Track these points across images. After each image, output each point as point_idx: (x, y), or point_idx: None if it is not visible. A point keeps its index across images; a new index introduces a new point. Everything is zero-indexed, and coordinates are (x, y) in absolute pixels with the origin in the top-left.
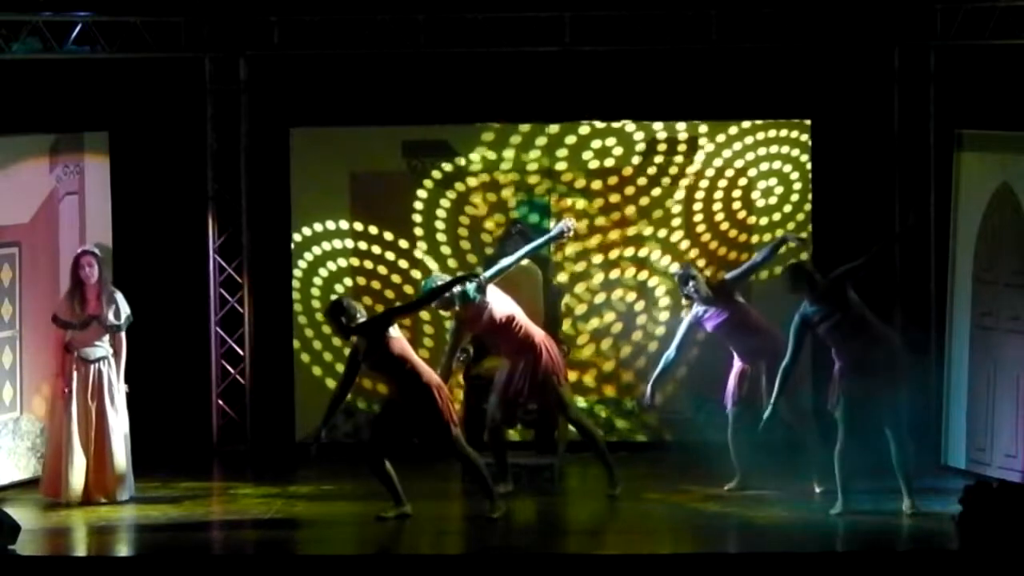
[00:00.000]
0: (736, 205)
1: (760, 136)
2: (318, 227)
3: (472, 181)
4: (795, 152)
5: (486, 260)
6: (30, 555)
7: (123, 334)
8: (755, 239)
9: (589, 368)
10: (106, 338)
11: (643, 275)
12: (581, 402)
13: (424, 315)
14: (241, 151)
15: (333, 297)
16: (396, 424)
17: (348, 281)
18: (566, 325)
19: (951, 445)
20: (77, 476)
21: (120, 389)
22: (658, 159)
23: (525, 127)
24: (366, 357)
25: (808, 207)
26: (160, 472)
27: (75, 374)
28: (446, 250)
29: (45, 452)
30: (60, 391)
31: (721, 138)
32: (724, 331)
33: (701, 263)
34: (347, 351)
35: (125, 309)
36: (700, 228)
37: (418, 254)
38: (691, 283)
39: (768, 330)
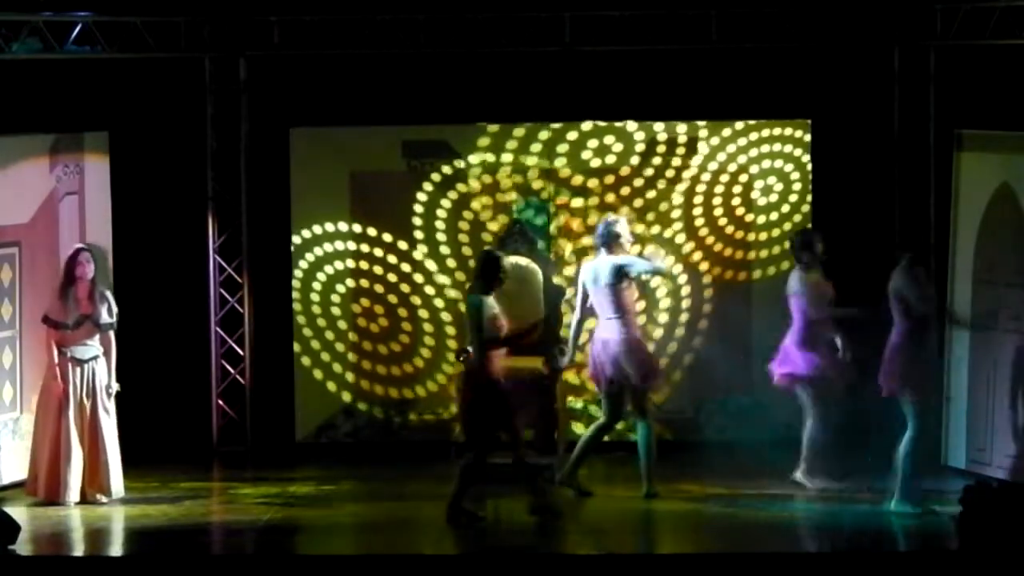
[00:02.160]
0: (735, 202)
1: (760, 135)
2: (318, 229)
3: (472, 181)
4: (795, 151)
5: None
6: (30, 555)
7: (112, 333)
8: (754, 237)
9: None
10: (96, 337)
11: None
12: (578, 403)
13: (423, 313)
14: (241, 151)
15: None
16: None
17: (342, 286)
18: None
19: (951, 445)
20: (75, 477)
21: (112, 388)
22: (658, 158)
23: (524, 127)
24: None
25: (807, 205)
26: (160, 472)
27: (71, 375)
28: (448, 256)
29: (35, 453)
30: (57, 393)
31: (721, 136)
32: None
33: (700, 260)
34: (342, 348)
35: (115, 307)
36: (700, 226)
37: (418, 255)
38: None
39: None
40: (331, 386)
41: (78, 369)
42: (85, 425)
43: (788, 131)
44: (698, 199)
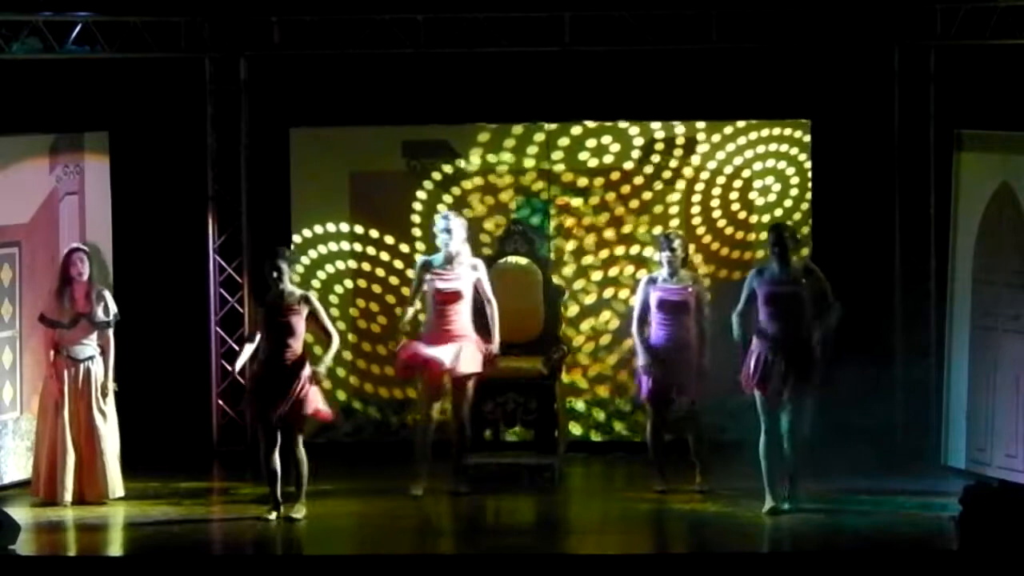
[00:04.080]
0: (733, 199)
1: (759, 135)
2: (318, 229)
3: (471, 181)
4: (793, 151)
5: (485, 260)
6: (30, 555)
7: (111, 332)
8: (753, 237)
9: (587, 367)
10: (94, 336)
11: (642, 273)
12: (579, 403)
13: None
14: (241, 151)
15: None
16: None
17: (341, 286)
18: (564, 323)
19: (951, 445)
20: (70, 477)
21: (110, 387)
22: (657, 158)
23: (523, 127)
24: None
25: (806, 205)
26: (160, 472)
27: (66, 375)
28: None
29: (36, 453)
30: (54, 393)
31: (720, 137)
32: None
33: (699, 260)
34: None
35: (113, 307)
36: (698, 226)
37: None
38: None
39: None
40: (337, 391)
41: (73, 369)
42: (81, 426)
43: (787, 131)
44: (696, 199)
